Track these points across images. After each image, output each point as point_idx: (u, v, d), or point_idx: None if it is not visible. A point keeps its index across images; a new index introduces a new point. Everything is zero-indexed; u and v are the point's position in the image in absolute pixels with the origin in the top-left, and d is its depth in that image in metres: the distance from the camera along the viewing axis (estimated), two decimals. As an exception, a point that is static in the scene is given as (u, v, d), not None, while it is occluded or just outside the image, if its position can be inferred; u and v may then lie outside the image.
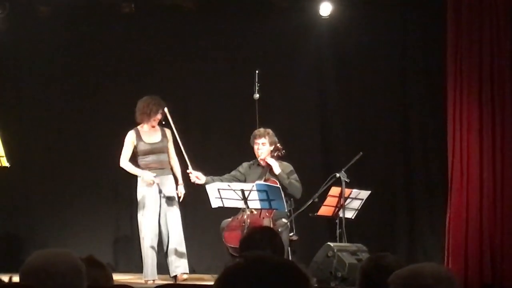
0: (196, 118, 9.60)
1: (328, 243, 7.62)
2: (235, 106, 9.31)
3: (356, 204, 8.18)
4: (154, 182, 7.98)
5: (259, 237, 4.06)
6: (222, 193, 7.42)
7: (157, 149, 8.13)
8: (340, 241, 7.86)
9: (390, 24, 9.32)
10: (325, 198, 8.09)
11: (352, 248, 7.69)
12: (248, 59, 9.24)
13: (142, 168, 8.08)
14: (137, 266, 8.83)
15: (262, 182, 7.55)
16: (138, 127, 8.15)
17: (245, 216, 7.49)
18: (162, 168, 8.13)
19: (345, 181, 7.86)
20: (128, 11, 9.54)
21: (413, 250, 9.01)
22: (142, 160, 8.09)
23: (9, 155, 7.78)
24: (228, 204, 7.49)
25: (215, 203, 7.52)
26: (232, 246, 7.55)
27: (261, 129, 7.96)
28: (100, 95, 9.66)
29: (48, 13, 9.66)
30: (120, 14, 9.55)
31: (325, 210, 8.16)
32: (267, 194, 7.34)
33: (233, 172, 8.10)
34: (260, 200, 7.38)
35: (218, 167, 8.96)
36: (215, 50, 9.56)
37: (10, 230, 9.61)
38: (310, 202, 7.80)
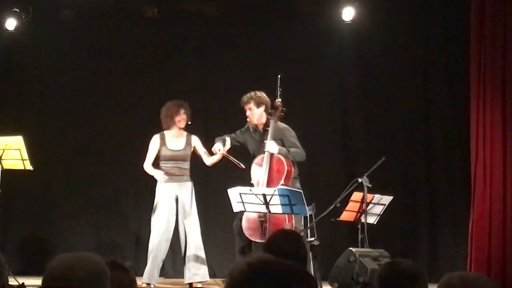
0: (218, 122, 9.60)
1: (350, 248, 7.58)
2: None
3: (378, 209, 8.15)
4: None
5: (282, 240, 4.05)
6: (244, 197, 7.40)
7: (178, 157, 8.11)
8: (362, 246, 7.83)
9: (412, 28, 9.31)
10: (347, 203, 8.07)
11: (374, 254, 7.65)
12: (270, 63, 9.24)
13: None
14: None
15: (284, 187, 7.51)
16: (165, 131, 8.14)
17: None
18: (181, 175, 8.13)
19: (367, 186, 7.83)
20: (151, 16, 9.58)
21: (436, 255, 8.96)
22: (162, 165, 8.09)
23: (32, 158, 7.81)
24: (250, 208, 7.46)
25: (237, 207, 7.50)
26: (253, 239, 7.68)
27: (246, 95, 7.95)
28: (123, 99, 9.69)
29: (71, 17, 9.70)
30: (143, 18, 9.58)
31: (347, 216, 8.14)
32: (289, 199, 7.30)
33: (233, 134, 8.14)
34: (282, 205, 7.35)
35: (240, 173, 8.97)
36: (237, 55, 9.58)
37: (32, 233, 9.65)
38: (332, 207, 7.77)
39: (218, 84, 9.64)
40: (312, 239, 7.82)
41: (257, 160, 7.80)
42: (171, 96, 9.10)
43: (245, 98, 7.91)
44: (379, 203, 8.12)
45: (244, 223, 7.67)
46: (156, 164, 8.07)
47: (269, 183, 7.64)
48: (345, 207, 8.08)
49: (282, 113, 7.85)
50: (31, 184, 9.18)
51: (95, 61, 9.61)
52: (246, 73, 9.53)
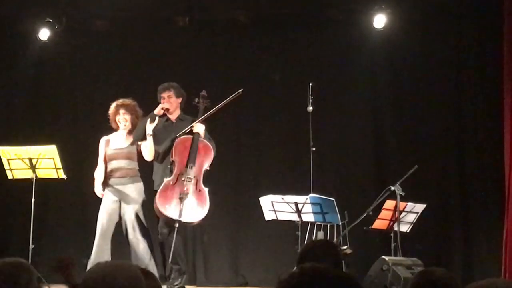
0: (250, 130, 9.61)
1: (383, 256, 7.53)
2: (289, 118, 9.31)
3: (411, 217, 8.11)
4: None
5: (318, 249, 4.04)
6: (276, 205, 7.40)
7: (121, 155, 7.94)
8: (395, 254, 7.79)
9: (444, 34, 9.26)
10: (379, 212, 8.03)
11: (407, 262, 7.59)
12: (302, 71, 9.24)
13: None
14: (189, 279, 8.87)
15: (316, 195, 7.49)
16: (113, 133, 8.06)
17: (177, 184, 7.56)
18: (122, 176, 7.92)
19: (400, 194, 7.79)
20: (183, 25, 9.62)
21: (469, 263, 8.89)
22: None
23: (66, 167, 7.87)
24: (282, 217, 7.45)
25: (268, 215, 7.50)
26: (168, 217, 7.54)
27: (164, 84, 8.00)
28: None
29: (104, 27, 9.78)
30: (175, 28, 9.63)
31: (379, 224, 8.11)
32: (321, 207, 7.29)
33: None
34: (314, 213, 7.34)
35: (271, 179, 8.99)
36: (268, 63, 9.59)
37: (66, 242, 9.70)
38: (364, 216, 7.74)
39: (250, 92, 9.64)
40: (345, 247, 7.79)
41: (181, 140, 7.75)
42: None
43: (166, 84, 8.01)
44: (412, 211, 8.07)
45: (159, 199, 7.54)
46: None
47: (198, 165, 7.70)
48: (378, 215, 8.05)
49: (208, 103, 7.98)
50: (64, 193, 9.25)
51: (127, 70, 9.67)
52: (277, 82, 9.53)
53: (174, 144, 7.71)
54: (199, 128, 7.78)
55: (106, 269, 2.83)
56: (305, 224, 7.57)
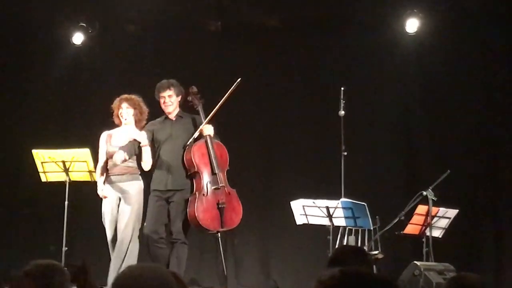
0: (281, 135, 9.61)
1: (415, 262, 7.49)
2: (320, 123, 9.29)
3: (444, 222, 8.06)
4: None
5: (347, 255, 4.03)
6: (307, 210, 7.39)
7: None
8: (427, 260, 7.74)
9: (476, 39, 9.20)
10: (411, 217, 7.99)
11: (439, 267, 7.54)
12: (333, 75, 9.23)
13: None
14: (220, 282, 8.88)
15: (347, 199, 7.47)
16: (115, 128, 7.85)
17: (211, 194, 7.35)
18: (122, 174, 7.68)
19: (432, 199, 7.74)
20: (215, 30, 9.66)
21: (501, 269, 8.82)
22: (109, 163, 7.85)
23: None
24: (313, 221, 7.44)
25: (299, 220, 7.49)
26: (211, 230, 7.37)
27: (164, 81, 7.67)
28: (186, 111, 9.76)
29: (137, 31, 9.85)
30: (207, 32, 9.67)
31: (411, 229, 8.07)
32: (352, 212, 7.26)
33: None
34: (345, 217, 7.32)
35: (302, 183, 8.97)
36: (300, 67, 9.59)
37: (98, 244, 9.77)
38: (396, 221, 7.71)
39: (281, 96, 9.66)
40: (376, 252, 7.77)
41: (196, 148, 7.44)
42: (234, 108, 9.19)
43: (165, 83, 7.64)
44: (445, 216, 8.03)
45: (199, 214, 7.26)
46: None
47: (221, 169, 7.47)
48: (410, 220, 8.01)
49: (202, 100, 7.71)
50: (97, 196, 9.31)
51: (160, 74, 9.70)
52: (308, 85, 9.53)
53: (190, 154, 7.39)
54: (208, 129, 7.52)
55: (137, 272, 2.84)
56: (336, 228, 7.56)
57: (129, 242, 7.37)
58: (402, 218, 7.77)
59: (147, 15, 9.58)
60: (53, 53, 9.80)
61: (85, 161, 7.73)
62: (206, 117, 7.56)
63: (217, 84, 9.74)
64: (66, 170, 7.80)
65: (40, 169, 7.83)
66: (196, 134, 7.48)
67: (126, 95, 7.67)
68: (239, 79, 7.60)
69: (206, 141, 7.46)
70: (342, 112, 7.91)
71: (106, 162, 7.59)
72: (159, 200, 7.46)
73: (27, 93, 9.89)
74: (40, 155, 7.89)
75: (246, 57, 9.72)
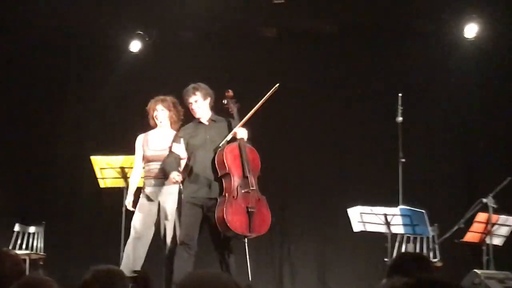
0: (338, 142, 9.57)
1: (475, 270, 7.38)
2: (378, 129, 9.23)
3: (504, 230, 7.92)
4: None
5: (409, 262, 3.98)
6: (364, 217, 7.33)
7: (160, 157, 7.54)
8: (487, 268, 7.61)
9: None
10: (471, 224, 7.87)
11: (500, 276, 7.41)
12: (391, 82, 9.16)
13: None
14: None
15: (405, 207, 7.39)
16: (150, 130, 7.75)
17: (241, 197, 7.05)
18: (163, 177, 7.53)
19: (493, 206, 7.61)
20: (271, 36, 9.67)
21: None
22: (145, 167, 7.66)
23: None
24: (371, 228, 7.37)
25: (357, 227, 7.43)
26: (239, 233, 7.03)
27: (189, 87, 7.40)
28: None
29: (193, 39, 9.90)
30: (263, 38, 9.68)
31: (471, 237, 7.94)
32: (410, 219, 7.17)
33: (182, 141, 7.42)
34: (404, 225, 7.23)
35: (359, 190, 8.91)
36: (356, 73, 9.54)
37: (155, 250, 9.84)
38: (455, 228, 7.60)
39: (338, 103, 9.62)
40: (435, 260, 7.68)
41: (229, 150, 7.18)
42: (290, 114, 9.21)
43: (190, 89, 7.38)
44: (505, 224, 7.88)
45: (228, 216, 6.96)
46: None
47: (253, 173, 7.17)
48: (470, 228, 7.89)
49: (237, 104, 7.47)
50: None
51: (217, 81, 9.73)
52: (366, 92, 9.48)
53: (223, 156, 7.12)
54: (242, 133, 7.26)
55: (202, 279, 2.83)
56: (394, 236, 7.48)
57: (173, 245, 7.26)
58: (462, 225, 7.64)
59: (203, 23, 9.62)
60: (111, 61, 9.92)
61: (143, 168, 7.78)
62: (241, 120, 7.37)
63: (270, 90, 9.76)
64: (124, 176, 7.86)
65: (98, 175, 7.91)
66: (229, 137, 7.25)
67: (161, 97, 7.60)
68: (277, 84, 7.40)
69: (239, 144, 7.21)
70: (400, 119, 7.82)
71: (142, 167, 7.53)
72: (194, 207, 7.20)
73: (86, 100, 10.03)
74: (98, 162, 7.99)
75: (302, 64, 9.71)
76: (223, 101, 7.39)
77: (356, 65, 9.54)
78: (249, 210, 7.02)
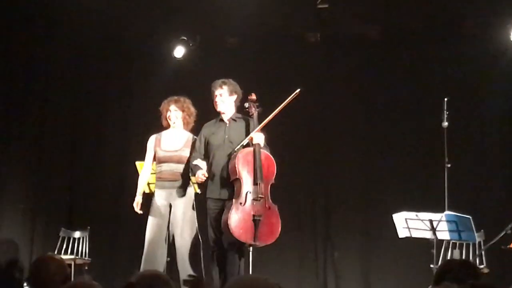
0: (383, 147, 9.51)
1: (522, 277, 7.30)
2: (423, 134, 9.16)
3: (553, 236, 7.78)
4: None
5: (457, 269, 3.94)
6: (410, 223, 7.26)
7: (172, 159, 7.52)
8: (535, 275, 7.51)
9: None
10: (518, 230, 7.75)
11: (549, 283, 7.31)
12: (435, 86, 9.09)
13: None
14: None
15: (451, 212, 7.30)
16: (163, 131, 7.70)
17: (248, 204, 6.90)
18: (174, 180, 7.49)
19: (541, 212, 7.50)
20: (314, 41, 9.64)
21: None
22: (157, 168, 7.62)
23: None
24: (416, 234, 7.30)
25: (402, 233, 7.36)
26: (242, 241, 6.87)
27: (218, 80, 7.38)
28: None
29: (237, 44, 9.92)
30: (306, 44, 9.65)
31: (519, 243, 7.83)
32: (456, 225, 7.10)
33: (197, 149, 7.34)
34: (449, 231, 7.16)
35: (404, 196, 8.85)
36: (401, 78, 9.48)
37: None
38: (502, 234, 7.48)
39: (383, 107, 9.56)
40: (481, 266, 7.58)
41: (242, 155, 7.03)
42: (336, 118, 9.17)
43: (218, 81, 7.36)
44: (554, 230, 7.75)
45: (231, 223, 6.84)
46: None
47: (265, 180, 7.00)
48: (517, 234, 7.77)
49: (259, 107, 7.30)
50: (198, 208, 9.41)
51: (261, 88, 9.72)
52: (410, 96, 9.41)
53: (235, 160, 7.00)
54: (258, 138, 7.08)
55: (243, 284, 2.82)
56: (439, 242, 7.40)
57: (191, 251, 7.19)
58: (509, 231, 7.52)
59: (247, 28, 9.64)
60: (156, 66, 9.98)
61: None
62: (259, 123, 7.19)
63: (316, 96, 9.73)
64: (169, 181, 7.87)
65: (152, 181, 7.94)
66: (245, 141, 7.11)
67: (174, 97, 7.56)
68: (298, 90, 7.23)
69: (254, 150, 7.03)
70: (445, 123, 7.75)
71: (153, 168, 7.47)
72: (214, 208, 7.15)
73: (131, 105, 10.10)
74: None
75: (345, 69, 9.67)
76: (245, 104, 7.30)
77: (401, 70, 9.47)
78: (255, 218, 6.86)
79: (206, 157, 7.31)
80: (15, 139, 9.70)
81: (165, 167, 7.38)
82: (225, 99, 7.33)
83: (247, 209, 6.90)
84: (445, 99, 7.73)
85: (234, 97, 7.37)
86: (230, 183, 7.06)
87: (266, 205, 6.97)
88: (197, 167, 7.11)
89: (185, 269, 7.16)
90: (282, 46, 9.80)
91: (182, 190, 7.32)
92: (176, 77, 9.87)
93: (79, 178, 10.05)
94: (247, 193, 6.94)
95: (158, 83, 9.77)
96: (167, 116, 7.51)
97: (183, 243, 7.22)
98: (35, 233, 9.65)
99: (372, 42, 9.53)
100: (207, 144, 7.32)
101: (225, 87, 7.33)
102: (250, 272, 6.82)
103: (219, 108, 7.33)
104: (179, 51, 9.90)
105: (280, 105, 7.22)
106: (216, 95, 7.33)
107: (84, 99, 10.18)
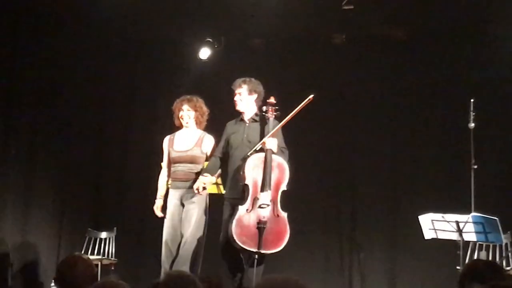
0: (408, 147, 9.48)
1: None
2: (449, 135, 9.12)
3: None
4: None
5: (483, 270, 3.93)
6: (436, 224, 7.23)
7: (184, 159, 7.49)
8: None
9: None
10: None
11: None
12: (461, 87, 9.04)
13: None
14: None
15: (478, 214, 7.26)
16: (176, 131, 7.69)
17: (254, 211, 6.79)
18: (187, 180, 7.43)
19: None
20: (339, 42, 9.63)
21: None
22: (172, 169, 7.58)
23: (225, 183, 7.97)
24: (442, 235, 7.27)
25: (428, 234, 7.33)
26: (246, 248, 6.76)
27: (239, 79, 7.32)
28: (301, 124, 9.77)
29: (262, 46, 9.93)
30: (331, 45, 9.65)
31: (545, 244, 7.79)
32: (483, 227, 7.06)
33: (220, 146, 7.32)
34: (476, 232, 7.11)
35: (432, 198, 8.81)
36: (427, 79, 9.45)
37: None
38: (530, 235, 7.46)
39: (408, 108, 9.54)
40: (508, 268, 7.54)
41: (252, 160, 6.93)
42: (360, 121, 9.14)
43: (238, 81, 7.31)
44: None
45: (235, 229, 6.75)
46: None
47: (274, 187, 6.86)
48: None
49: (277, 111, 7.14)
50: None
51: (285, 89, 9.72)
52: (436, 98, 9.38)
53: (245, 165, 6.88)
54: (271, 144, 6.92)
55: (273, 284, 2.83)
56: (466, 243, 7.36)
57: (194, 251, 7.10)
58: (538, 232, 7.51)
59: (272, 30, 9.65)
60: (181, 68, 10.02)
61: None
62: (271, 129, 7.06)
63: (341, 98, 9.73)
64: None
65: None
66: (258, 146, 6.98)
67: (187, 97, 7.51)
68: (311, 96, 7.00)
69: (265, 156, 6.90)
70: (472, 125, 7.70)
71: (169, 169, 7.45)
72: (230, 208, 7.07)
73: (157, 107, 10.13)
74: (169, 168, 8.02)
75: (370, 70, 9.65)
76: (262, 107, 7.21)
77: (427, 71, 9.44)
78: (260, 226, 6.75)
79: (227, 156, 7.27)
80: (42, 140, 9.76)
81: (179, 167, 7.35)
82: (244, 98, 7.29)
83: (253, 216, 6.80)
84: (472, 100, 7.69)
85: (254, 96, 7.30)
86: (241, 187, 6.98)
87: (274, 213, 6.84)
88: (202, 178, 7.07)
89: (181, 268, 6.99)
90: (307, 48, 9.80)
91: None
92: (201, 79, 9.89)
93: (106, 179, 10.12)
94: (254, 199, 6.84)
95: (184, 84, 9.79)
96: (180, 116, 7.48)
97: (188, 242, 7.12)
98: (62, 233, 9.71)
99: (397, 44, 9.51)
100: (227, 143, 7.30)
101: (244, 86, 7.29)
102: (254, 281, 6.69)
103: (238, 107, 7.31)
104: (204, 53, 9.93)
105: (293, 110, 7.08)
106: (236, 94, 7.32)
107: (111, 100, 10.24)
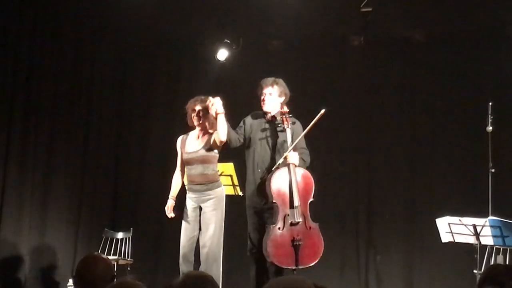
0: (425, 150, 9.46)
1: None
2: (467, 138, 9.09)
3: None
4: None
5: (501, 274, 3.91)
6: (453, 227, 7.21)
7: (194, 160, 7.36)
8: None
9: None
10: None
11: None
12: (479, 90, 9.01)
13: None
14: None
15: (495, 217, 7.23)
16: (190, 132, 7.60)
17: (286, 229, 6.71)
18: (201, 182, 7.34)
19: None
20: (358, 44, 9.62)
21: None
22: (186, 171, 7.52)
23: (243, 184, 7.98)
24: (459, 239, 7.25)
25: (445, 238, 7.32)
26: (284, 266, 6.72)
27: (270, 78, 7.18)
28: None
29: (279, 47, 9.93)
30: (350, 46, 9.63)
31: None
32: (500, 230, 7.04)
33: (238, 129, 7.27)
34: (493, 236, 7.09)
35: (447, 201, 8.79)
36: (445, 81, 9.42)
37: (239, 258, 9.88)
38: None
39: (426, 111, 9.51)
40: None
41: (277, 177, 6.84)
42: (377, 123, 9.12)
43: (270, 80, 7.17)
44: None
45: (271, 249, 6.72)
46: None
47: (302, 202, 6.79)
48: None
49: (293, 123, 7.08)
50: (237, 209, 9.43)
51: (303, 92, 9.71)
52: (454, 100, 9.34)
53: (269, 183, 6.81)
54: (293, 158, 6.85)
55: (282, 284, 2.83)
56: (483, 247, 7.33)
57: (217, 255, 7.06)
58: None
59: (290, 32, 9.64)
60: (199, 69, 10.03)
61: (230, 175, 7.83)
62: (292, 141, 6.97)
63: (359, 99, 9.71)
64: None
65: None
66: (280, 161, 6.91)
67: (201, 97, 7.38)
68: (323, 110, 6.89)
69: (289, 172, 6.83)
70: (490, 128, 7.68)
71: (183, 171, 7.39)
72: (256, 217, 7.09)
73: (175, 108, 10.14)
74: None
75: (389, 72, 9.64)
76: (277, 118, 7.15)
77: (445, 73, 9.41)
78: (296, 243, 6.71)
79: (244, 146, 7.23)
80: (60, 142, 9.80)
81: (192, 169, 7.25)
82: (275, 99, 7.19)
83: (286, 234, 6.74)
84: (490, 103, 7.67)
85: (282, 98, 7.21)
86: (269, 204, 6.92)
87: (306, 226, 6.82)
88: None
89: (207, 271, 6.91)
90: (325, 49, 9.80)
91: (211, 191, 7.18)
92: (219, 80, 9.91)
93: (123, 179, 10.15)
94: (285, 216, 6.78)
95: (202, 85, 9.81)
96: (192, 116, 7.36)
97: (207, 245, 7.07)
98: (79, 233, 9.74)
99: (416, 46, 9.49)
100: (245, 133, 7.25)
101: (276, 87, 7.19)
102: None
103: (266, 107, 7.21)
104: (222, 54, 9.93)
105: (309, 124, 7.04)
106: (265, 93, 7.20)
107: (129, 101, 10.27)
